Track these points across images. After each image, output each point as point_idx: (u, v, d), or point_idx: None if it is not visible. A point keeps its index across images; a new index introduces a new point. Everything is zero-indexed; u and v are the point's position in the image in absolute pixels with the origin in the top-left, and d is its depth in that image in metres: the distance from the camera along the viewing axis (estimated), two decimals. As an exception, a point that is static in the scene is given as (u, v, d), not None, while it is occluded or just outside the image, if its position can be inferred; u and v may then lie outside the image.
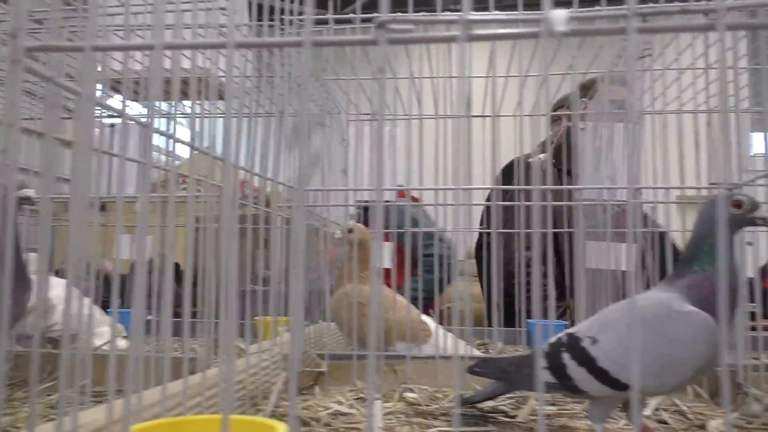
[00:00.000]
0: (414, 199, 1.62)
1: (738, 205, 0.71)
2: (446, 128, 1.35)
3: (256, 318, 1.16)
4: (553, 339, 0.84)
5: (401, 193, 1.53)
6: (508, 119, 1.51)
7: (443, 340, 1.20)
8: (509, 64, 1.42)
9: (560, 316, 1.70)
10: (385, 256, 1.37)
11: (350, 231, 1.32)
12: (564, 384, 0.78)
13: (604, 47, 1.29)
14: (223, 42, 0.43)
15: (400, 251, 1.35)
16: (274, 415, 0.91)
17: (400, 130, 1.50)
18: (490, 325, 1.38)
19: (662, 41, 1.22)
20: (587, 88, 1.67)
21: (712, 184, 1.06)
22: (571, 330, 0.82)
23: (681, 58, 1.25)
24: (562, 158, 1.43)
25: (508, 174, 1.82)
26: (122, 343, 1.29)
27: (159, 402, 0.66)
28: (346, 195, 1.40)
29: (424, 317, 1.24)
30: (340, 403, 0.99)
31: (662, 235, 1.23)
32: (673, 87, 1.26)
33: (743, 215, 0.71)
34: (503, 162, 1.70)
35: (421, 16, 1.12)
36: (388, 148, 1.47)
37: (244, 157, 1.23)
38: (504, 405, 0.98)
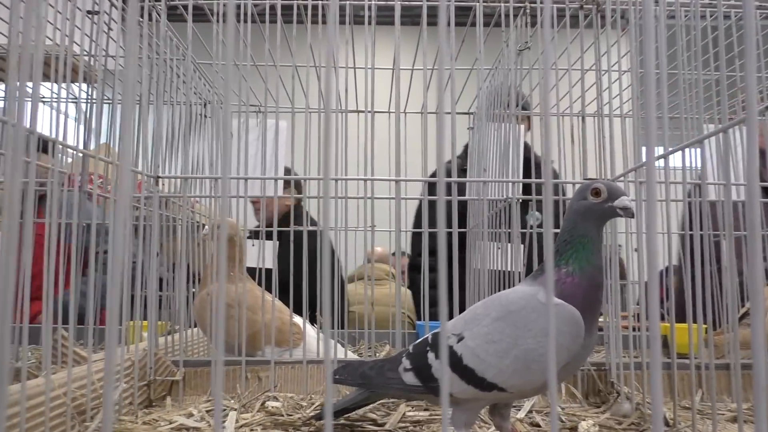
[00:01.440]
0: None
1: (596, 192, 0.67)
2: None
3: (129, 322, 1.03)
4: (418, 340, 0.77)
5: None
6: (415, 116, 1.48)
7: (315, 343, 1.11)
8: (414, 59, 1.37)
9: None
10: (266, 254, 1.26)
11: (219, 226, 1.20)
12: (428, 386, 0.72)
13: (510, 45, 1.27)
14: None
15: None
16: (104, 433, 0.78)
17: (285, 123, 1.42)
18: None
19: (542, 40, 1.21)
20: None
21: (586, 179, 1.05)
22: (437, 329, 0.76)
23: (558, 62, 1.25)
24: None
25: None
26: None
27: None
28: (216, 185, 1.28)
29: (297, 319, 1.15)
30: (190, 415, 0.88)
31: None
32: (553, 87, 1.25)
33: (602, 204, 0.67)
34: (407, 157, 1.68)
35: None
36: (273, 140, 1.38)
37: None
38: (373, 413, 0.90)
